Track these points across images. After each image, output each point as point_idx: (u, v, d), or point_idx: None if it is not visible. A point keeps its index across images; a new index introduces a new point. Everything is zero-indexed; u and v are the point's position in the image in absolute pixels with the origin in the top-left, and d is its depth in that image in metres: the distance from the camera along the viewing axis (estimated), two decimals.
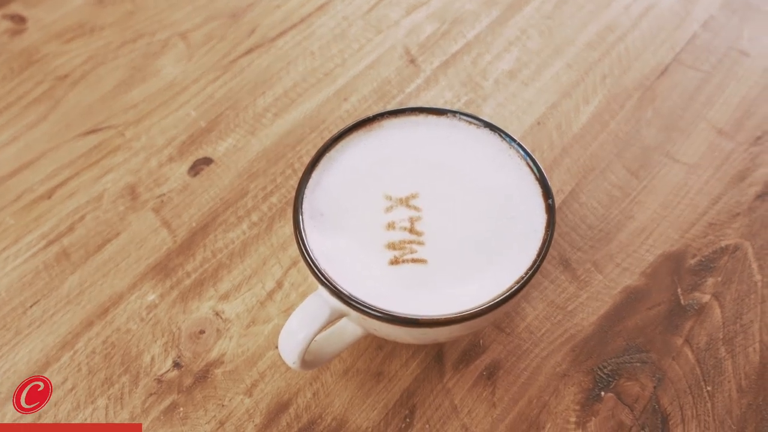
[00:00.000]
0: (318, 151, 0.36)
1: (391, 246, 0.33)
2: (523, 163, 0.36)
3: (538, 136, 0.49)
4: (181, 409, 0.37)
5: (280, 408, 0.37)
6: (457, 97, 0.52)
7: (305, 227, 0.33)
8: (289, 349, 0.32)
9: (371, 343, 0.39)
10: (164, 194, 0.46)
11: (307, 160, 0.47)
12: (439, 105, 0.51)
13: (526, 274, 0.31)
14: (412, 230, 0.33)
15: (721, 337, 0.39)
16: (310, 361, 0.34)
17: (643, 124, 0.50)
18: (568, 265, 0.42)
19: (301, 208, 0.34)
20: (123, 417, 0.36)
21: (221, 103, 0.52)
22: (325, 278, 0.31)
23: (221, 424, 0.36)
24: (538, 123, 0.50)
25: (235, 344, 0.39)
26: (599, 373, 0.38)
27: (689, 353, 0.38)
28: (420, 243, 0.33)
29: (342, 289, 0.31)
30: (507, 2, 0.59)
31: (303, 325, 0.31)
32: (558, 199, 0.45)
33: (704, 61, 0.54)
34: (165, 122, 0.51)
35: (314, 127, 0.50)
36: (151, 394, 0.37)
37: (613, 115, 0.50)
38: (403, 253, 0.33)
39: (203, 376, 0.38)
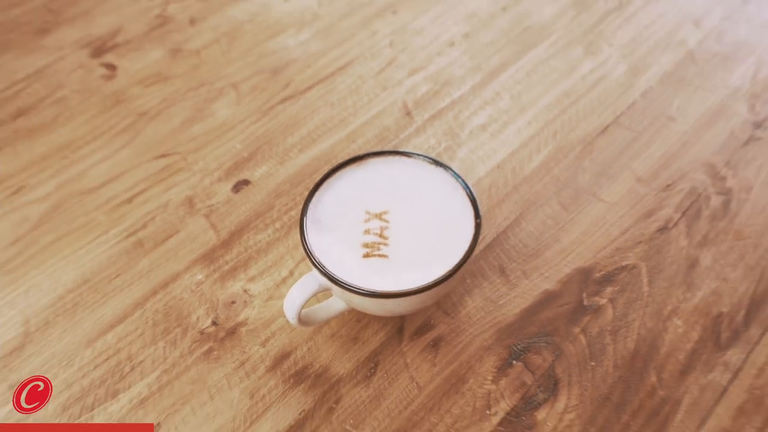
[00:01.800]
0: (320, 179, 0.51)
1: (365, 245, 0.48)
2: (464, 193, 0.50)
3: (497, 177, 0.64)
4: (215, 352, 0.52)
5: (284, 356, 0.52)
6: (439, 143, 0.67)
7: (307, 230, 0.48)
8: (290, 308, 0.47)
9: (352, 317, 0.54)
10: (213, 205, 0.63)
11: None
12: (425, 149, 0.67)
13: (453, 269, 0.46)
14: (381, 235, 0.48)
15: (609, 329, 0.53)
16: (305, 320, 0.49)
17: (579, 171, 0.64)
18: (504, 272, 0.57)
19: (306, 217, 0.49)
20: (175, 356, 0.52)
21: (260, 140, 0.69)
22: (318, 263, 0.46)
23: (242, 363, 0.51)
24: (498, 166, 0.65)
25: (256, 312, 0.55)
26: (514, 348, 0.52)
27: (583, 339, 0.52)
28: (385, 245, 0.48)
29: (328, 271, 0.46)
30: (489, 69, 0.75)
31: (300, 292, 0.47)
32: (504, 225, 0.60)
33: (638, 123, 0.68)
34: (217, 151, 0.68)
35: (327, 161, 0.66)
36: (195, 342, 0.53)
37: (558, 163, 0.65)
38: (372, 250, 0.48)
39: (232, 332, 0.53)
